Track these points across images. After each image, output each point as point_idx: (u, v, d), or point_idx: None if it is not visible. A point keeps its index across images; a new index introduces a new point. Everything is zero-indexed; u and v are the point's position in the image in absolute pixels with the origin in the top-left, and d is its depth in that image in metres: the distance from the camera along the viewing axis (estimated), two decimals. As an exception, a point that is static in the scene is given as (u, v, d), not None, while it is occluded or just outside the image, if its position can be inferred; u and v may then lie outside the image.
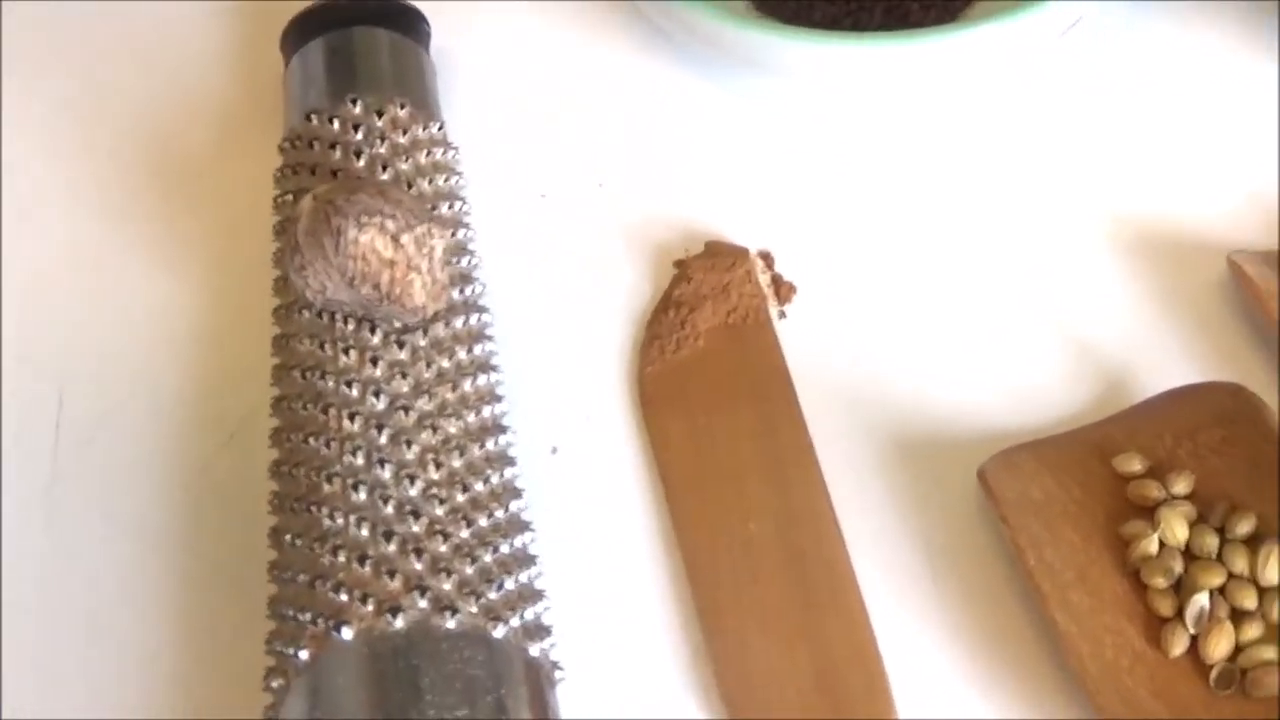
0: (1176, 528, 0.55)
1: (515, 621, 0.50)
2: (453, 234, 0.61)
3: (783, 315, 0.63)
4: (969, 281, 0.64)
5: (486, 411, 0.56)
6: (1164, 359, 0.61)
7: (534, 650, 0.50)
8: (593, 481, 0.59)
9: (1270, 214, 0.65)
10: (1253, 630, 0.53)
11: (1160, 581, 0.54)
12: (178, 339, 0.62)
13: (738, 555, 0.56)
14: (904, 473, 0.59)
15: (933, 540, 0.57)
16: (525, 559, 0.53)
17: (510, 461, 0.56)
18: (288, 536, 0.52)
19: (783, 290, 0.63)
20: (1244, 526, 0.55)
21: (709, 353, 0.62)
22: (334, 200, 0.55)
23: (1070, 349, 0.61)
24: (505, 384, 0.59)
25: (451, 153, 0.64)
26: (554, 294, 0.64)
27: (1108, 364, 0.61)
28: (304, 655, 0.49)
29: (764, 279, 0.64)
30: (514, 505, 0.54)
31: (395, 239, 0.54)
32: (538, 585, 0.53)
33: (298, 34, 0.68)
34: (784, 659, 0.54)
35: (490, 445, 0.55)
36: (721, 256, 0.64)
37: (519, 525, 0.54)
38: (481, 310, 0.59)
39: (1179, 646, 0.53)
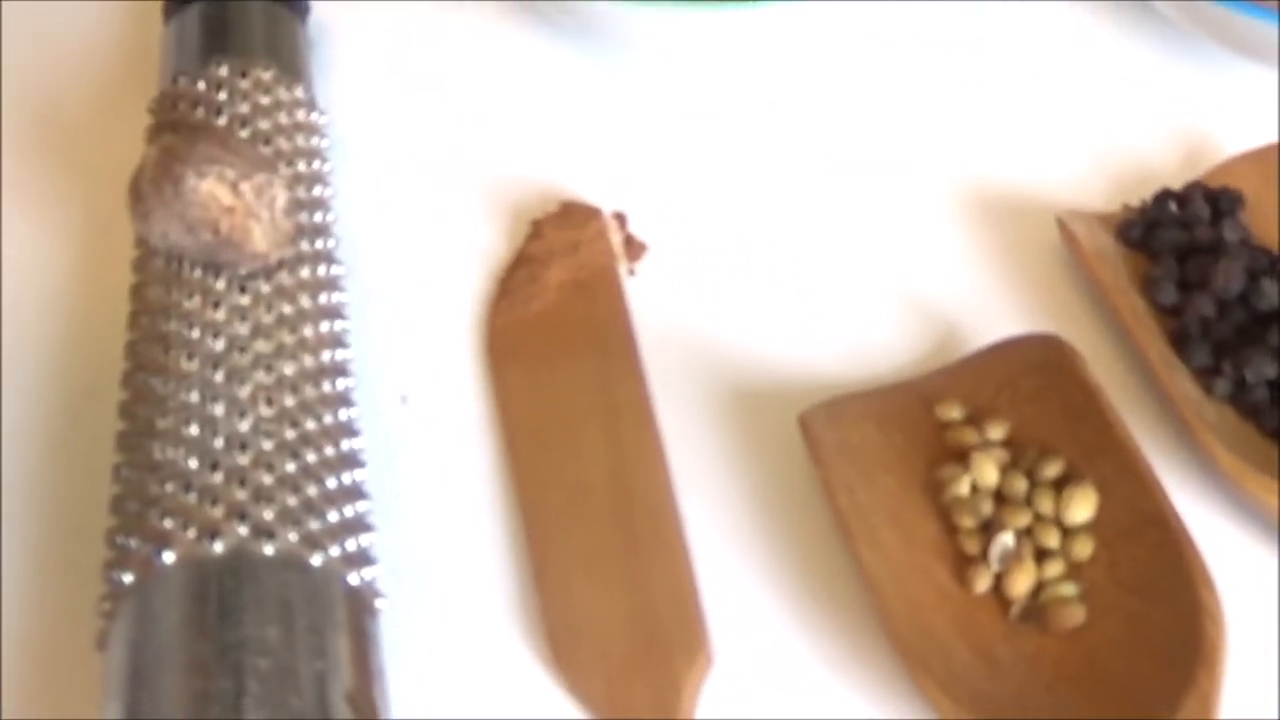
0: (987, 471, 0.56)
1: (335, 551, 0.52)
2: (309, 190, 0.63)
3: (632, 273, 0.65)
4: (814, 241, 0.66)
5: (327, 356, 0.58)
6: (996, 315, 0.63)
7: (354, 579, 0.52)
8: (439, 429, 0.61)
9: (1108, 177, 0.67)
10: (1054, 568, 0.55)
11: (968, 521, 0.56)
12: (47, 293, 0.64)
13: (570, 500, 0.58)
14: (740, 423, 0.60)
15: (762, 488, 0.59)
16: (354, 494, 0.55)
17: (349, 403, 0.57)
18: (124, 470, 0.54)
19: (634, 249, 0.65)
20: (1052, 470, 0.57)
21: (557, 307, 0.63)
22: (175, 149, 0.57)
23: (908, 306, 0.63)
24: (359, 334, 0.61)
25: (316, 115, 0.66)
26: (414, 251, 0.66)
27: (942, 320, 0.63)
28: (129, 579, 0.50)
29: (617, 239, 0.65)
30: (348, 444, 0.56)
31: (234, 187, 0.56)
32: (368, 520, 0.55)
33: (178, -1, 0.70)
34: (606, 599, 0.56)
35: (328, 387, 0.57)
36: (575, 216, 0.66)
37: (351, 462, 0.56)
38: (332, 262, 0.61)
39: (983, 584, 0.55)
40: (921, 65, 0.72)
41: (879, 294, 0.64)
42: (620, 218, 0.66)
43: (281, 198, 0.57)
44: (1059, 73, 0.72)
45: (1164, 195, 0.64)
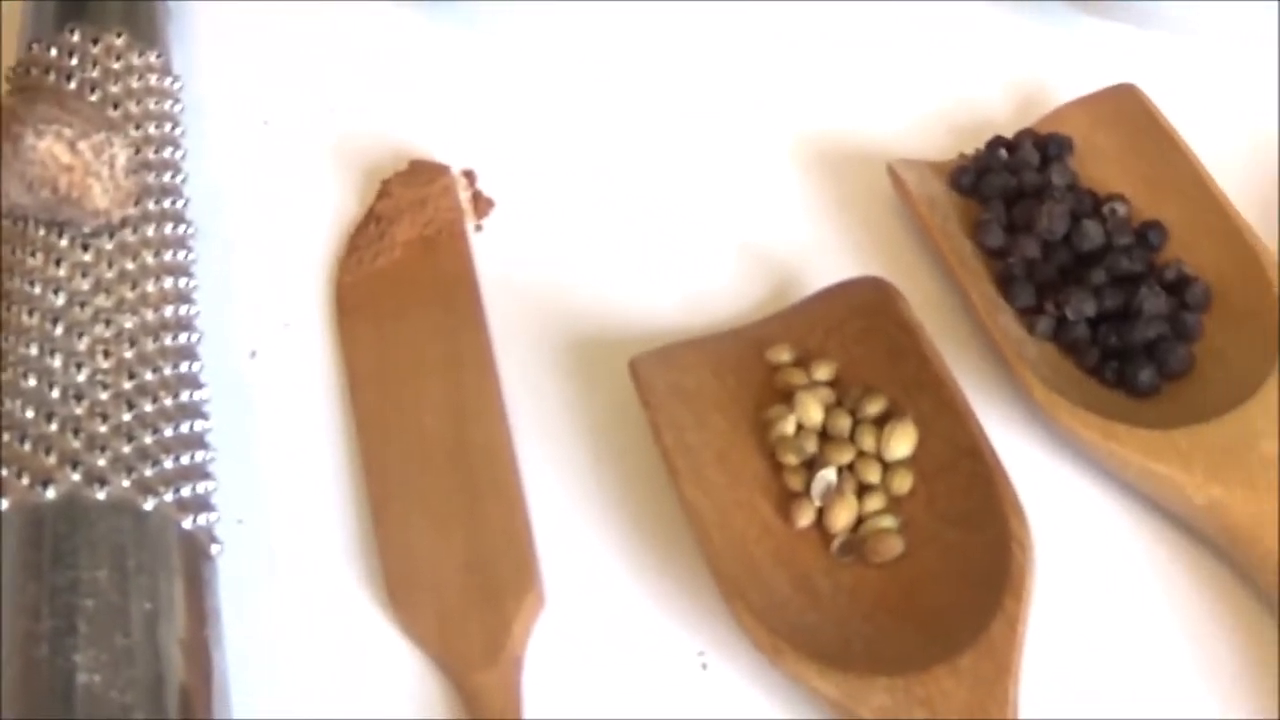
0: (811, 410, 0.58)
1: (170, 497, 0.54)
2: (158, 151, 0.64)
3: (479, 228, 0.66)
4: (655, 195, 0.67)
5: (170, 311, 0.59)
6: (833, 262, 0.64)
7: (188, 524, 0.54)
8: (287, 383, 0.62)
9: (947, 127, 0.68)
10: (875, 502, 0.57)
11: (792, 459, 0.57)
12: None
13: (410, 447, 0.60)
14: (581, 371, 0.62)
15: (599, 433, 0.61)
16: (193, 442, 0.56)
17: (192, 356, 0.59)
18: (-35, 424, 0.55)
19: (481, 205, 0.67)
20: (874, 407, 0.58)
21: (404, 263, 0.65)
22: (14, 109, 0.58)
23: (747, 255, 0.65)
24: (212, 292, 0.62)
25: (169, 80, 0.67)
26: (268, 212, 0.67)
27: (781, 268, 0.65)
28: (-35, 527, 0.52)
29: (465, 195, 0.67)
30: (187, 395, 0.57)
31: (72, 145, 0.58)
32: (206, 468, 0.56)
33: (40, -31, 0.71)
34: (441, 543, 0.57)
35: (169, 340, 0.58)
36: (423, 174, 0.67)
37: (191, 412, 0.57)
38: (180, 221, 0.63)
39: (805, 519, 0.57)
40: (762, 15, 0.73)
41: (719, 245, 0.65)
42: (469, 175, 0.68)
43: (122, 156, 0.59)
44: (899, 23, 0.73)
45: (996, 142, 0.66)
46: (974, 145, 0.67)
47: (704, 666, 0.56)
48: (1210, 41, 0.71)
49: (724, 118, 0.70)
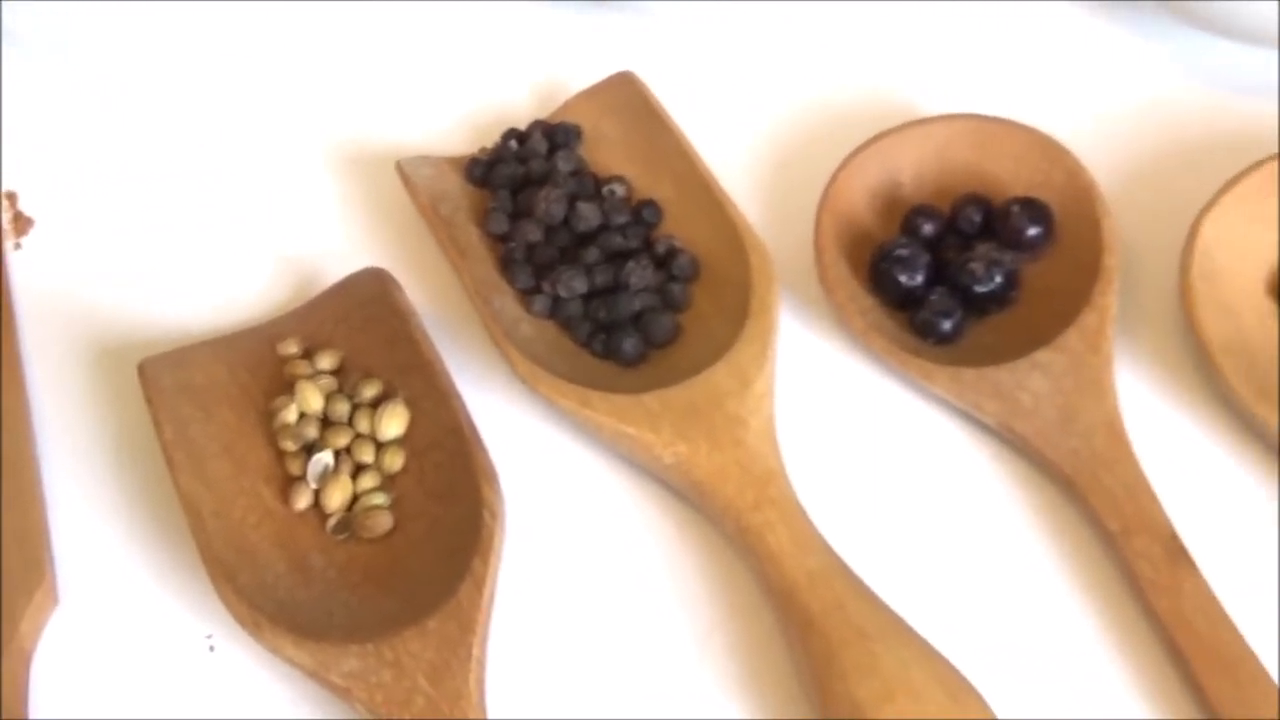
0: (311, 397, 0.61)
1: None
2: None
3: (18, 246, 0.69)
4: (191, 206, 0.70)
5: None
6: (358, 258, 0.67)
7: None
8: None
9: (473, 125, 0.71)
10: (368, 481, 0.60)
11: (290, 445, 0.60)
12: None
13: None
14: (110, 378, 0.65)
15: (121, 436, 0.63)
16: None
17: None
18: None
19: (21, 224, 0.69)
20: (370, 391, 0.61)
21: (-60, 288, 0.67)
22: None
23: (280, 258, 0.68)
24: None
25: None
26: None
27: (310, 267, 0.67)
28: None
29: (6, 216, 0.69)
30: None
31: None
32: None
33: None
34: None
35: None
36: (-42, 198, 0.70)
37: None
38: None
39: (303, 501, 0.60)
40: (295, 25, 0.76)
41: (251, 250, 0.68)
42: (11, 197, 0.70)
43: None
44: (428, 24, 0.75)
45: (509, 135, 0.69)
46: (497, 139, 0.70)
47: (211, 649, 0.58)
48: (706, 28, 0.74)
49: (257, 126, 0.73)
